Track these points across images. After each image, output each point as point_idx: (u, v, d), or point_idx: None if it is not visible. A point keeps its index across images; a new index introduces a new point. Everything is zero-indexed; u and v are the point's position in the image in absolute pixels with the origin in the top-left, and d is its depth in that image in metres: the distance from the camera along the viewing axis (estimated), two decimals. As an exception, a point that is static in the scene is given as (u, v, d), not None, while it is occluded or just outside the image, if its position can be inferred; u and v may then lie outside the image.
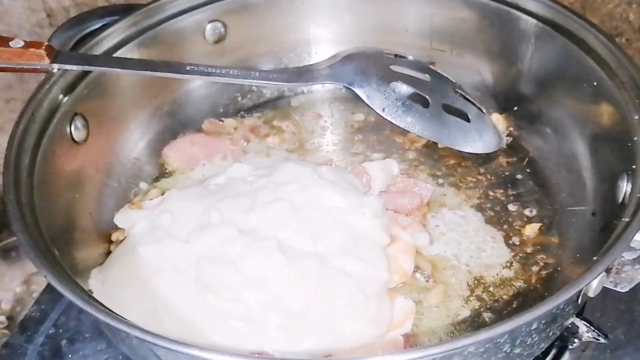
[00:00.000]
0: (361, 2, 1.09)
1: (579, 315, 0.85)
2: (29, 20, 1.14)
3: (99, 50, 0.94)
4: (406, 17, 1.09)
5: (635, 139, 0.81)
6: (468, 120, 0.98)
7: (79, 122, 0.91)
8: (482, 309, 0.83)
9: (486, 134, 0.99)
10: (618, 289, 0.74)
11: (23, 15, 1.13)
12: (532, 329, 0.69)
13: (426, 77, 1.00)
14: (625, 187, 0.80)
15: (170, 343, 0.62)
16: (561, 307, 0.71)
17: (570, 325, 0.83)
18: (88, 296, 0.68)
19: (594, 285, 0.71)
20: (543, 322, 0.70)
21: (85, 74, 0.92)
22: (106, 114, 0.96)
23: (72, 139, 0.90)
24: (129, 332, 0.63)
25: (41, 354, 0.89)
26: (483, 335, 0.62)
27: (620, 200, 0.80)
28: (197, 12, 1.03)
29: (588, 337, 0.84)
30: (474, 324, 0.82)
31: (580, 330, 0.84)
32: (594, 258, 0.69)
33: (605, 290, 0.73)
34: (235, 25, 1.06)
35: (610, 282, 0.74)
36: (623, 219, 0.73)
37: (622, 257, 0.73)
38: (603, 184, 0.87)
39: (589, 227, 0.87)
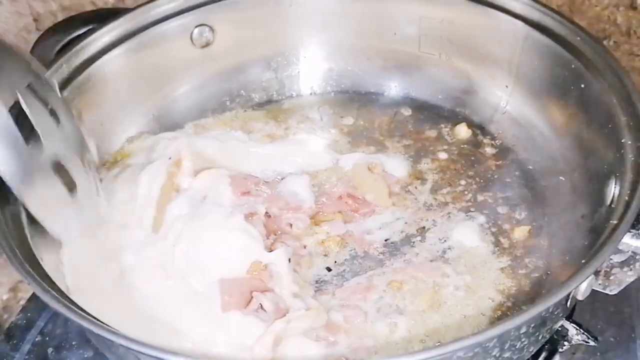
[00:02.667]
0: (349, 5, 1.08)
1: (569, 318, 0.85)
2: (16, 24, 1.13)
3: (85, 54, 0.94)
4: (394, 21, 1.08)
5: (623, 141, 0.81)
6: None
7: (64, 127, 0.90)
8: (470, 313, 0.83)
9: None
10: (607, 291, 0.74)
11: (10, 20, 1.13)
12: (521, 332, 0.69)
13: None
14: (613, 189, 0.80)
15: (159, 352, 0.61)
16: (550, 310, 0.71)
17: (559, 328, 0.83)
18: (73, 304, 0.67)
19: (582, 288, 0.70)
20: (532, 325, 0.70)
21: (71, 78, 0.91)
22: (93, 119, 0.96)
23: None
24: (115, 340, 0.63)
25: (27, 362, 0.88)
26: (472, 339, 0.62)
27: (609, 202, 0.80)
28: (184, 16, 1.02)
29: (578, 339, 0.84)
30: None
31: (569, 333, 0.84)
32: (583, 261, 0.69)
33: (594, 293, 0.73)
34: (223, 30, 1.06)
35: (599, 284, 0.74)
36: (611, 222, 0.73)
37: (611, 259, 0.73)
38: (592, 186, 0.87)
39: (578, 229, 0.87)
